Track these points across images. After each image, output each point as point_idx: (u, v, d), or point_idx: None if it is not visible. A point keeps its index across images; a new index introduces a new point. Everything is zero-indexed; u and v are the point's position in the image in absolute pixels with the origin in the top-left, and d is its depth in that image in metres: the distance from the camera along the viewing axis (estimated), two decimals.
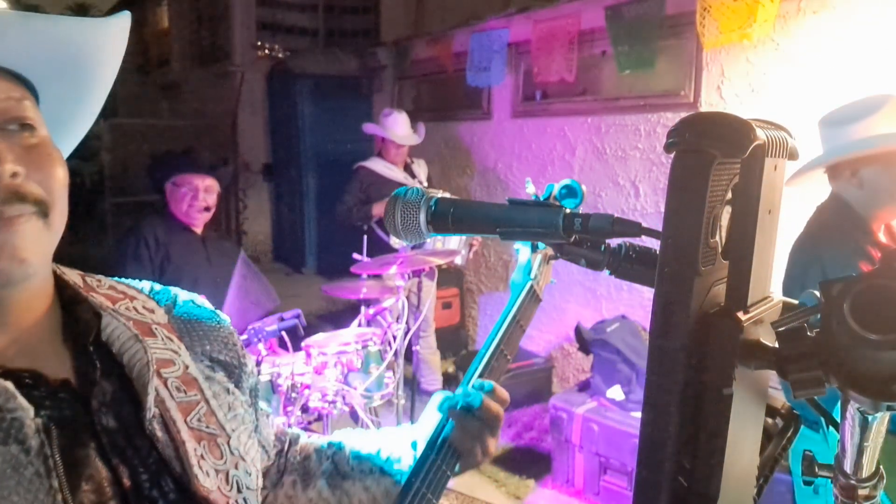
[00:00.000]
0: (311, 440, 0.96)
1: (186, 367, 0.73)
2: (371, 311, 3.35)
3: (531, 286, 0.94)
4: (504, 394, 0.88)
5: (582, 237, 0.71)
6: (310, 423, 2.92)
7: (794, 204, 1.75)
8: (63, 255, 0.70)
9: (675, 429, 0.45)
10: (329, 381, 2.81)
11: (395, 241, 3.79)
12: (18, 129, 0.63)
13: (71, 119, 0.75)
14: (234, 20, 8.12)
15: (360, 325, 3.30)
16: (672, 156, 0.46)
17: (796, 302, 0.56)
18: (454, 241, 3.80)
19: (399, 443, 0.92)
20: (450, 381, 4.54)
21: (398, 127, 4.08)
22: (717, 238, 0.48)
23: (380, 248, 3.75)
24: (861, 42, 2.93)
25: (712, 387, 0.46)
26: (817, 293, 0.44)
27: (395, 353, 3.06)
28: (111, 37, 0.71)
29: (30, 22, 0.62)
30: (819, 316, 0.44)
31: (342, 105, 7.27)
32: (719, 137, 0.45)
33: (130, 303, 0.75)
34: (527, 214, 0.71)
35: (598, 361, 3.42)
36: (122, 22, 0.71)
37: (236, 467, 0.72)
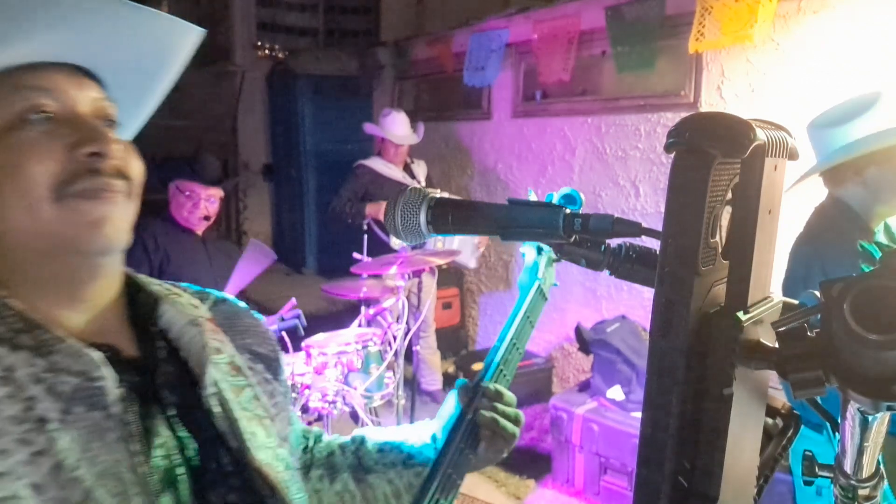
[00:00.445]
0: (335, 437, 1.00)
1: (232, 357, 0.79)
2: (371, 311, 3.35)
3: (538, 286, 0.97)
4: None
5: (582, 237, 0.71)
6: (310, 423, 2.91)
7: (794, 204, 1.75)
8: None
9: (675, 429, 0.45)
10: (329, 381, 2.81)
11: (394, 242, 3.79)
12: (105, 125, 0.70)
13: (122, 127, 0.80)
14: (234, 20, 8.10)
15: (360, 325, 3.29)
16: (672, 156, 0.46)
17: (796, 302, 0.56)
18: (455, 241, 3.80)
19: (420, 438, 0.96)
20: (450, 381, 4.53)
21: (397, 127, 4.08)
22: (717, 238, 0.48)
23: (380, 248, 3.75)
24: (861, 42, 2.93)
25: (712, 387, 0.46)
26: (817, 293, 0.44)
27: (395, 353, 3.06)
28: (185, 46, 0.77)
29: (126, 12, 0.69)
30: (819, 316, 0.44)
31: (342, 105, 7.27)
32: (719, 137, 0.45)
33: (178, 298, 0.80)
34: (527, 214, 0.71)
35: (598, 361, 3.42)
36: (199, 36, 0.78)
37: (281, 447, 0.78)
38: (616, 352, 3.32)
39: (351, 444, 0.98)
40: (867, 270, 0.42)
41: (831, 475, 0.60)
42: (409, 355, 3.50)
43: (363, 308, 3.34)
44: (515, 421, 0.89)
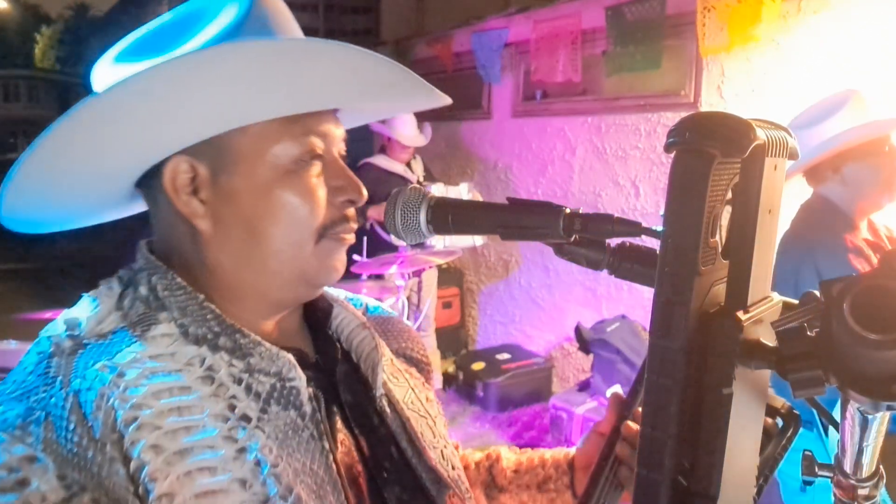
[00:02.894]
0: (468, 452, 0.99)
1: (392, 360, 0.83)
2: None
3: None
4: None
5: (582, 237, 0.71)
6: None
7: (785, 202, 1.75)
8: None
9: (675, 428, 0.45)
10: None
11: (395, 238, 3.80)
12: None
13: None
14: None
15: None
16: (672, 155, 0.46)
17: (796, 302, 0.56)
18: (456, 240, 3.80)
19: (556, 462, 0.91)
20: (450, 381, 4.53)
21: (405, 127, 4.10)
22: (717, 238, 0.48)
23: (380, 248, 3.75)
24: (861, 42, 2.93)
25: (712, 387, 0.46)
26: (817, 293, 0.44)
27: None
28: (420, 104, 0.80)
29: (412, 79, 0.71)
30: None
31: None
32: (719, 137, 0.45)
33: (345, 303, 0.82)
34: (527, 214, 0.71)
35: (598, 361, 3.42)
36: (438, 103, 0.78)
37: (445, 447, 0.80)
38: (616, 351, 3.32)
39: (485, 461, 0.96)
40: (867, 270, 0.42)
41: (831, 475, 0.60)
42: None
43: None
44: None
